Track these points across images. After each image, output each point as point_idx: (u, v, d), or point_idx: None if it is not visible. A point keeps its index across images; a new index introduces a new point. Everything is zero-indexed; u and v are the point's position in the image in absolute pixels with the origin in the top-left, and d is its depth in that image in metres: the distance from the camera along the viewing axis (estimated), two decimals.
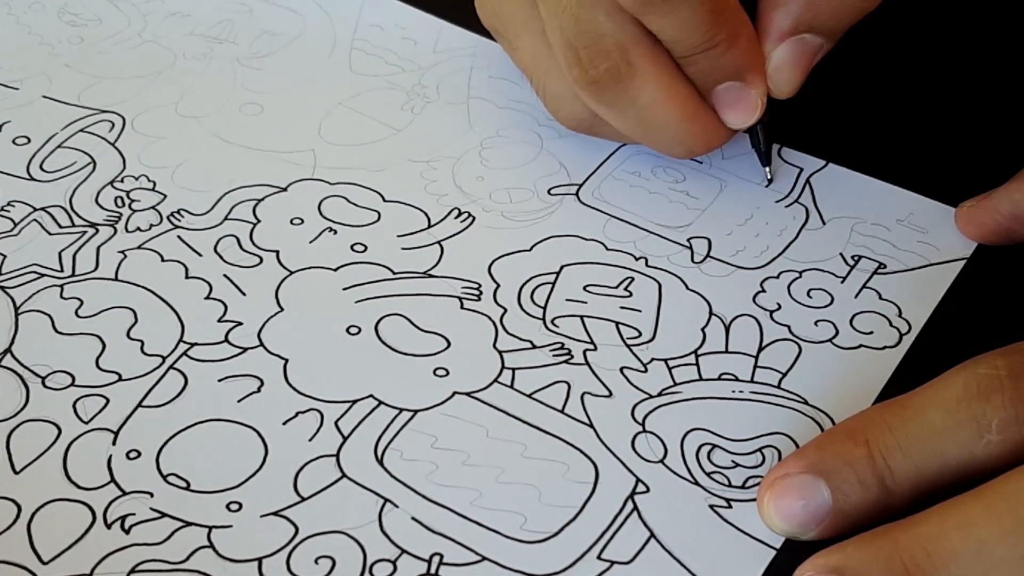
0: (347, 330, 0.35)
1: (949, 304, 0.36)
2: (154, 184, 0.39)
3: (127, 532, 0.30)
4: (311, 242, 0.37)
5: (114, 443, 0.32)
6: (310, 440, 0.32)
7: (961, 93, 0.43)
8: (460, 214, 0.38)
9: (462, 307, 0.36)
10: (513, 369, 0.34)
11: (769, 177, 0.39)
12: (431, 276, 0.36)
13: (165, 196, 0.39)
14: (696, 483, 0.31)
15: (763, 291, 0.36)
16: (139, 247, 0.37)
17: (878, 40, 0.45)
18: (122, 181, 0.39)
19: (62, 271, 0.36)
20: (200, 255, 0.37)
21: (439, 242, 0.37)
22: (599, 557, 0.30)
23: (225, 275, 0.36)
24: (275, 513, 0.30)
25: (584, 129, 0.38)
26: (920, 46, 0.45)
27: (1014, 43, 0.45)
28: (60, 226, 0.38)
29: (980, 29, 0.46)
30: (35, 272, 0.36)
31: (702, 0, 0.33)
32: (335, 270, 0.37)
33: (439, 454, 0.32)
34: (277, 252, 0.37)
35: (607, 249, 0.37)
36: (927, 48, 0.45)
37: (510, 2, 0.38)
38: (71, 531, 0.30)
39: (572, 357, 0.34)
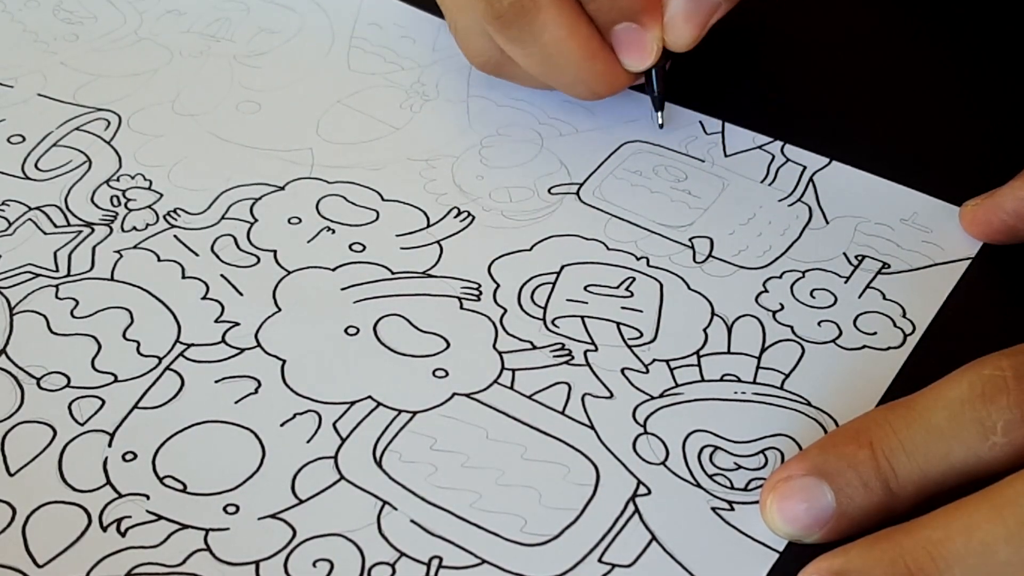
0: (345, 330, 0.34)
1: (954, 304, 0.35)
2: (150, 183, 0.39)
3: (123, 535, 0.30)
4: (309, 241, 0.37)
5: (110, 445, 0.31)
6: (308, 442, 0.32)
7: (965, 91, 0.43)
8: (459, 213, 0.38)
9: (461, 307, 0.35)
10: (513, 370, 0.34)
11: (660, 122, 0.40)
12: (430, 276, 0.36)
13: (161, 195, 0.38)
14: (698, 485, 0.31)
15: (766, 291, 0.36)
16: (135, 247, 0.37)
17: (881, 38, 0.45)
18: (118, 180, 0.39)
19: (57, 271, 0.36)
20: (197, 255, 0.37)
21: (438, 241, 0.37)
22: (600, 560, 0.29)
23: (222, 275, 0.36)
24: (273, 515, 0.30)
25: (492, 68, 0.40)
26: (924, 44, 0.45)
27: (1018, 41, 0.45)
28: (55, 225, 0.37)
29: (984, 27, 0.46)
30: (30, 272, 0.36)
31: None
32: (333, 270, 0.36)
33: (438, 456, 0.31)
34: (275, 252, 0.37)
35: (608, 249, 0.37)
36: (931, 46, 0.45)
37: None
38: (66, 534, 0.30)
39: (573, 358, 0.34)
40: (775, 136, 0.41)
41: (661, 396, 0.33)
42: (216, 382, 0.33)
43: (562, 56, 0.37)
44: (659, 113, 0.40)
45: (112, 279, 0.36)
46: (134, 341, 0.34)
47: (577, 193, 0.39)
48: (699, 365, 0.34)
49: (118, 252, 0.37)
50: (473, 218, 0.38)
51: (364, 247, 0.37)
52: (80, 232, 0.37)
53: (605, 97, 0.39)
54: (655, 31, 0.37)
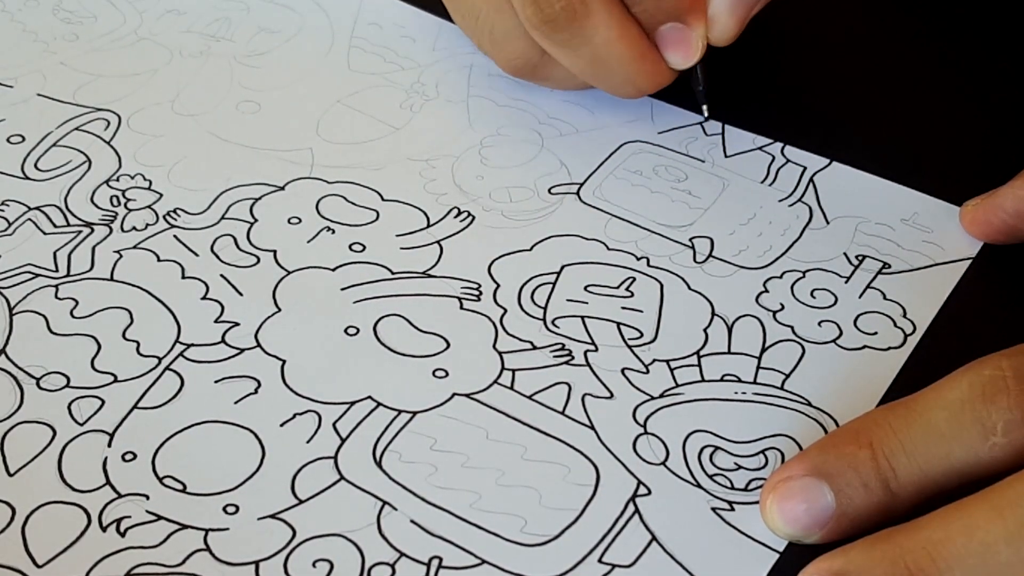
0: (345, 331, 0.34)
1: (954, 304, 0.35)
2: (150, 183, 0.39)
3: (123, 535, 0.30)
4: (309, 242, 0.37)
5: (109, 445, 0.31)
6: (308, 442, 0.32)
7: (965, 91, 0.43)
8: (459, 213, 0.38)
9: (461, 307, 0.35)
10: (513, 370, 0.34)
11: (706, 115, 0.41)
12: (430, 276, 0.36)
13: (161, 195, 0.38)
14: (698, 485, 0.31)
15: (766, 291, 0.36)
16: (135, 247, 0.37)
17: (881, 38, 0.45)
18: (117, 180, 0.39)
19: (57, 271, 0.36)
20: (196, 255, 0.37)
21: (438, 241, 0.37)
22: (600, 560, 0.29)
23: (222, 275, 0.36)
24: (273, 516, 0.30)
25: (527, 72, 0.39)
26: (924, 44, 0.45)
27: (1018, 41, 0.45)
28: (55, 226, 0.37)
29: (984, 27, 0.45)
30: (30, 272, 0.36)
31: None
32: (333, 270, 0.36)
33: (438, 456, 0.31)
34: (274, 252, 0.37)
35: (608, 249, 0.37)
36: (931, 46, 0.45)
37: None
38: (66, 534, 0.30)
39: (573, 358, 0.34)
40: (775, 137, 0.41)
41: (661, 396, 0.33)
42: (216, 382, 0.33)
43: (612, 58, 0.37)
44: (704, 107, 0.41)
45: (112, 279, 0.36)
46: (134, 341, 0.34)
47: (577, 193, 0.39)
48: (699, 365, 0.34)
49: (118, 252, 0.37)
50: (473, 218, 0.38)
51: (364, 247, 0.37)
52: (80, 232, 0.37)
53: (648, 94, 0.39)
54: (700, 29, 0.37)
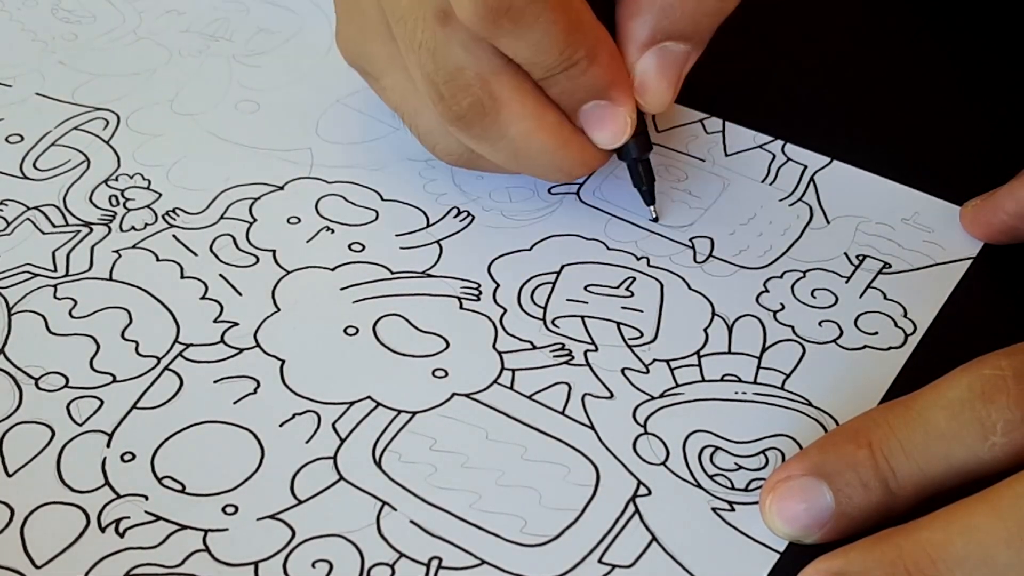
0: (345, 331, 0.34)
1: (955, 304, 0.35)
2: (149, 183, 0.39)
3: (122, 536, 0.29)
4: (308, 241, 0.37)
5: (108, 445, 0.31)
6: (307, 442, 0.32)
7: (966, 90, 0.43)
8: (459, 213, 0.38)
9: (461, 307, 0.35)
10: (513, 370, 0.33)
11: (654, 216, 0.37)
12: (430, 276, 0.36)
13: (160, 195, 0.38)
14: (698, 486, 0.31)
15: (766, 291, 0.36)
16: (134, 246, 0.37)
17: (882, 37, 0.45)
18: (116, 180, 0.39)
19: (56, 271, 0.36)
20: (196, 254, 0.37)
21: (438, 241, 0.37)
22: (600, 561, 0.29)
23: (221, 275, 0.36)
24: (272, 516, 0.30)
25: (464, 163, 0.37)
26: (925, 43, 0.45)
27: (1019, 41, 0.45)
28: (54, 225, 0.37)
29: (985, 27, 0.45)
30: (28, 272, 0.36)
31: (555, 19, 0.32)
32: (332, 270, 0.36)
33: (438, 456, 0.31)
34: (274, 251, 0.37)
35: (608, 249, 0.37)
36: (932, 45, 0.45)
37: (373, 41, 0.37)
38: (65, 535, 0.29)
39: (573, 358, 0.34)
40: (776, 135, 0.41)
41: (661, 396, 0.33)
42: (215, 382, 0.33)
43: (532, 148, 0.34)
44: (651, 207, 0.37)
45: (111, 279, 0.36)
46: (133, 341, 0.34)
47: (577, 193, 0.39)
48: (700, 365, 0.34)
49: (117, 252, 0.36)
50: (473, 218, 0.38)
51: (363, 247, 0.37)
52: (78, 232, 0.37)
53: (581, 177, 0.37)
54: (627, 104, 0.34)
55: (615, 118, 0.34)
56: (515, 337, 0.34)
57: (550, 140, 0.34)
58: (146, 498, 0.30)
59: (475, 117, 0.34)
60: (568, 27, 0.32)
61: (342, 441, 0.32)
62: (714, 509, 0.30)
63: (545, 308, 0.35)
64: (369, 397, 0.33)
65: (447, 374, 0.33)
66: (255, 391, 0.33)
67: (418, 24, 0.33)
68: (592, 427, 0.32)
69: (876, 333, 0.35)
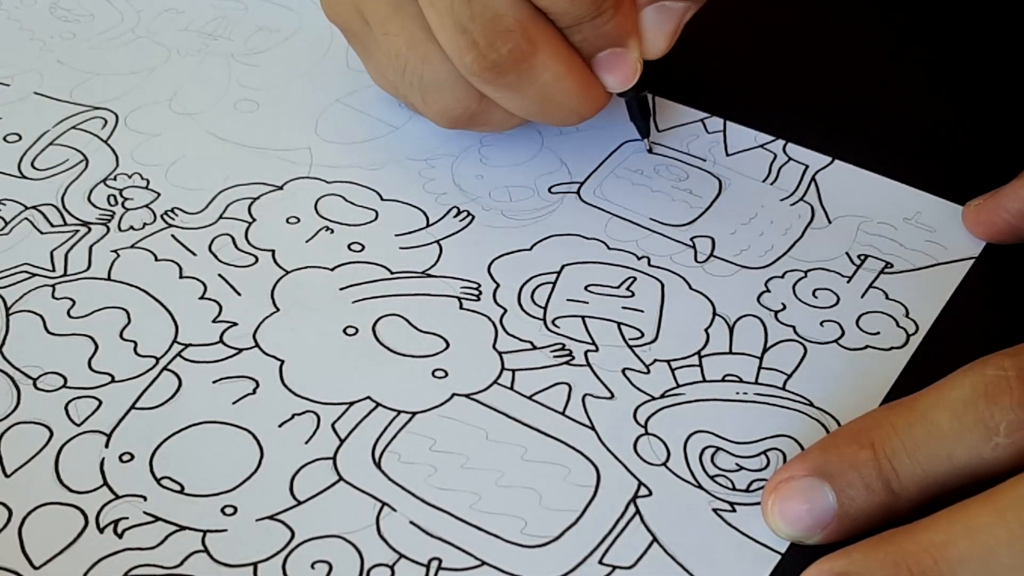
0: (344, 331, 0.34)
1: (957, 304, 0.35)
2: (147, 182, 0.39)
3: (120, 536, 0.29)
4: (307, 241, 0.37)
5: (107, 446, 0.31)
6: (306, 443, 0.31)
7: (968, 89, 0.43)
8: (459, 213, 0.38)
9: (461, 307, 0.35)
10: (513, 370, 0.33)
11: (649, 147, 0.40)
12: (429, 276, 0.36)
13: (159, 194, 0.38)
14: (699, 486, 0.31)
15: (768, 291, 0.36)
16: (132, 246, 0.37)
17: (883, 36, 0.45)
18: (115, 179, 0.39)
19: (54, 271, 0.36)
20: (194, 254, 0.36)
21: (438, 241, 0.37)
22: (600, 562, 0.29)
23: (220, 275, 0.36)
24: (271, 517, 0.30)
25: (463, 121, 0.37)
26: (926, 42, 0.45)
27: (1020, 40, 0.45)
28: (52, 225, 0.37)
29: (986, 26, 0.45)
30: (26, 272, 0.36)
31: None
32: (332, 270, 0.36)
33: (438, 457, 0.31)
34: (273, 251, 0.37)
35: (609, 248, 0.37)
36: (933, 44, 0.45)
37: None
38: (63, 535, 0.29)
39: (573, 358, 0.34)
40: (777, 135, 0.40)
41: (662, 396, 0.33)
42: (214, 382, 0.33)
43: (561, 92, 0.35)
44: (646, 139, 0.40)
45: (109, 279, 0.36)
46: (131, 341, 0.34)
47: (578, 192, 0.39)
48: (700, 365, 0.34)
49: (115, 252, 0.36)
50: (473, 217, 0.38)
51: (363, 247, 0.37)
52: (77, 231, 0.37)
53: (589, 119, 0.37)
54: (636, 50, 0.36)
55: (628, 63, 0.36)
56: (515, 337, 0.34)
57: (576, 84, 0.35)
58: (145, 499, 0.30)
59: (513, 63, 0.34)
60: None
61: (341, 442, 0.32)
62: (715, 510, 0.30)
63: (545, 308, 0.35)
64: (369, 397, 0.33)
65: (447, 374, 0.33)
66: (254, 391, 0.33)
67: None
68: (593, 427, 0.32)
69: (878, 333, 0.34)
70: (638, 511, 0.30)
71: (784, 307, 0.35)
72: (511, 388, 0.33)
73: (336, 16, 0.39)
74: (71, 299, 0.35)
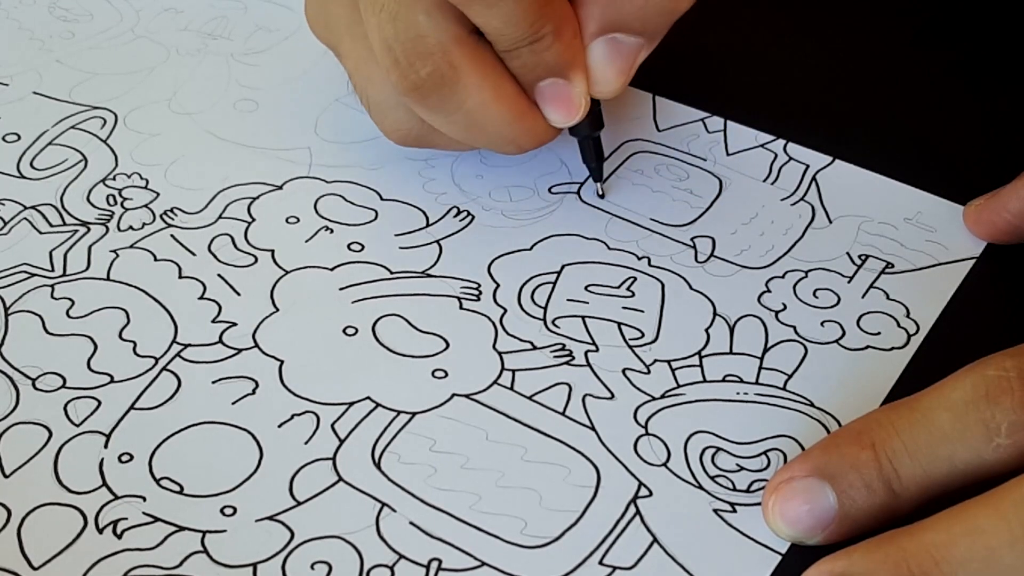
0: (344, 331, 0.34)
1: (958, 304, 0.35)
2: (147, 182, 0.39)
3: (119, 537, 0.29)
4: (307, 241, 0.37)
5: (106, 446, 0.31)
6: (306, 443, 0.31)
7: (969, 89, 0.43)
8: (459, 213, 0.38)
9: (461, 307, 0.35)
10: (513, 371, 0.33)
11: (601, 193, 0.38)
12: (429, 276, 0.36)
13: (158, 194, 0.38)
14: (700, 487, 0.31)
15: (768, 291, 0.36)
16: (131, 246, 0.37)
17: (883, 36, 0.45)
18: (114, 179, 0.39)
19: (53, 271, 0.36)
20: (194, 254, 0.36)
21: (437, 241, 0.37)
22: (601, 562, 0.29)
23: (219, 275, 0.36)
24: (270, 517, 0.30)
25: (411, 140, 0.37)
26: (927, 42, 0.45)
27: (1022, 40, 0.45)
28: (51, 225, 0.37)
29: (988, 26, 0.45)
30: (25, 272, 0.36)
31: None
32: (331, 270, 0.36)
33: (438, 457, 0.31)
34: (272, 251, 0.37)
35: (609, 248, 0.37)
36: (934, 44, 0.44)
37: (335, 4, 0.36)
38: (62, 536, 0.29)
39: (573, 358, 0.34)
40: (778, 134, 0.40)
41: (663, 397, 0.33)
42: (213, 383, 0.33)
43: (490, 120, 0.34)
44: (599, 184, 0.38)
45: (108, 279, 0.36)
46: (130, 341, 0.34)
47: (578, 192, 0.39)
48: (701, 365, 0.34)
49: (114, 252, 0.36)
50: (473, 217, 0.38)
51: (363, 247, 0.37)
52: (76, 231, 0.37)
53: (530, 151, 0.36)
54: (582, 85, 0.34)
55: (571, 98, 0.34)
56: (515, 337, 0.34)
57: (507, 112, 0.34)
58: (144, 499, 0.30)
59: (433, 86, 0.33)
60: (539, 1, 0.32)
61: (341, 442, 0.31)
62: (715, 510, 0.30)
63: (545, 308, 0.35)
64: (368, 398, 0.32)
65: (447, 374, 0.33)
66: (254, 392, 0.33)
67: None
68: (593, 428, 0.32)
69: (879, 333, 0.34)
70: (638, 511, 0.30)
71: (785, 307, 0.35)
72: (511, 388, 0.33)
73: (315, 34, 0.39)
74: (70, 299, 0.35)
